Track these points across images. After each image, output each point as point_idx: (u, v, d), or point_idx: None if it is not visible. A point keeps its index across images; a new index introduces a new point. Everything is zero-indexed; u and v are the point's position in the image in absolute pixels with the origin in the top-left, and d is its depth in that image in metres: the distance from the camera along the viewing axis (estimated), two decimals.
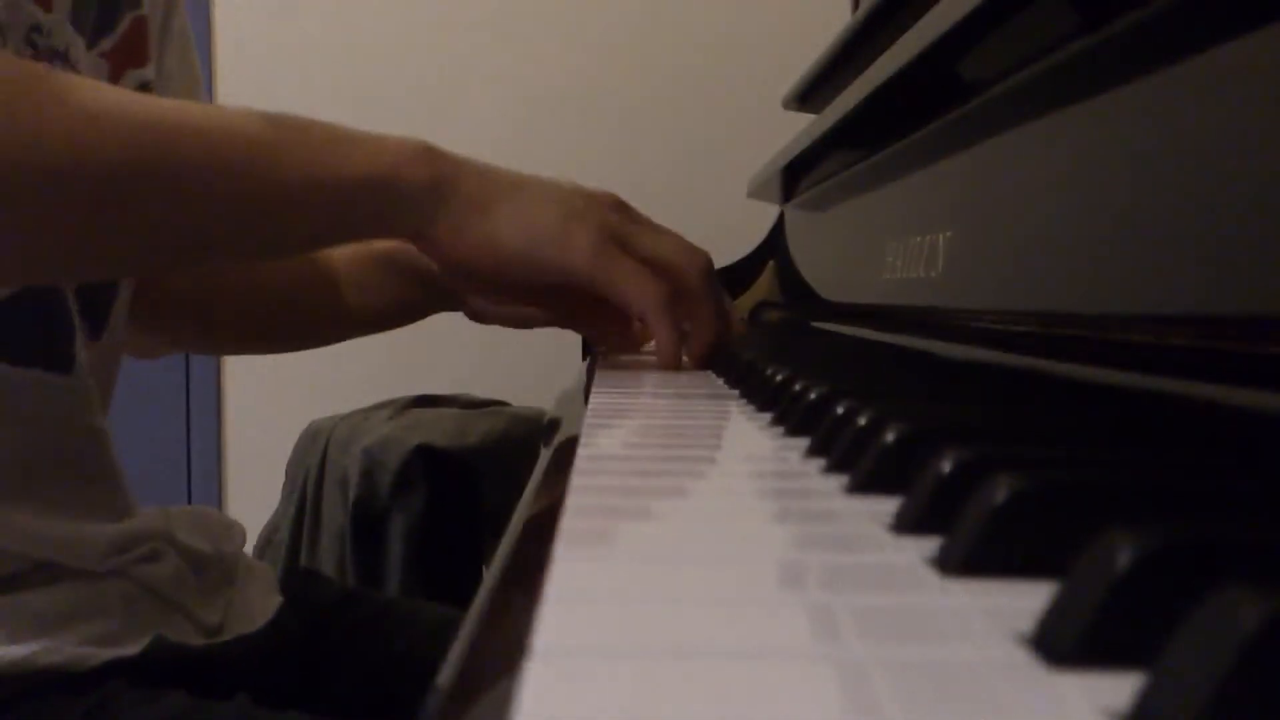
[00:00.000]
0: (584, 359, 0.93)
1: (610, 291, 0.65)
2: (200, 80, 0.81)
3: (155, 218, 0.55)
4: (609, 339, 0.81)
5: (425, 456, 1.68)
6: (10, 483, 0.60)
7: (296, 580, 0.81)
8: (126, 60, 0.69)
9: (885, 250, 0.75)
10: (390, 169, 0.60)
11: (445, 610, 0.83)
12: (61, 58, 0.63)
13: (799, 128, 1.03)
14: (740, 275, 1.27)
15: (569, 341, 1.02)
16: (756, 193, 1.31)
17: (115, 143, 0.52)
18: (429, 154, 0.62)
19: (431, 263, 0.68)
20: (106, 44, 0.68)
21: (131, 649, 0.60)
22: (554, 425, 0.54)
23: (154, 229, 0.56)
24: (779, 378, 0.56)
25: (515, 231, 0.62)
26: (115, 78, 0.68)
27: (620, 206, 0.68)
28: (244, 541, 0.77)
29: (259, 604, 0.73)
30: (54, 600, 0.59)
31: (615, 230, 0.66)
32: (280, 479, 1.89)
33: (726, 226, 1.35)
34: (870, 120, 0.80)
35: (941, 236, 0.62)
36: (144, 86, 0.71)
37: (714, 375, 0.75)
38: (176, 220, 0.56)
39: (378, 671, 0.75)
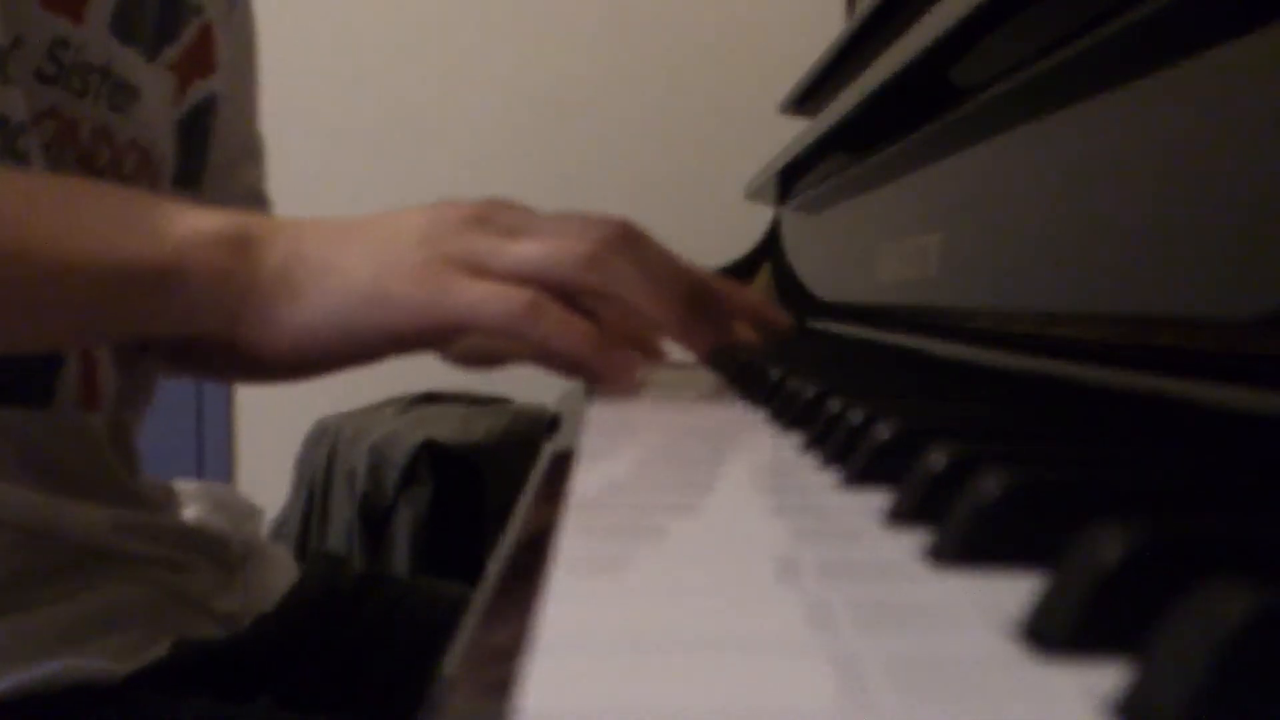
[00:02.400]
0: None
1: (459, 328, 0.53)
2: (257, 83, 0.74)
3: None
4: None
5: (430, 452, 1.69)
6: (10, 467, 0.58)
7: (316, 562, 0.79)
8: (193, 71, 0.64)
9: (879, 251, 0.75)
10: (173, 257, 0.50)
11: (465, 589, 0.79)
12: (100, 73, 0.58)
13: (795, 132, 1.03)
14: (736, 276, 1.27)
15: None
16: (754, 195, 1.31)
17: None
18: (233, 238, 0.51)
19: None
20: (172, 53, 0.62)
21: (155, 654, 0.60)
22: (556, 422, 0.54)
23: None
24: (775, 376, 0.56)
25: (328, 309, 0.51)
26: (182, 91, 0.63)
27: (478, 220, 0.54)
28: (262, 524, 0.76)
29: (275, 582, 0.72)
30: (78, 613, 0.58)
31: (461, 257, 0.52)
32: (289, 474, 1.89)
33: (723, 229, 1.35)
34: (865, 124, 0.80)
35: (935, 238, 0.62)
36: (210, 99, 0.66)
37: (712, 374, 0.75)
38: None
39: (401, 652, 0.73)
